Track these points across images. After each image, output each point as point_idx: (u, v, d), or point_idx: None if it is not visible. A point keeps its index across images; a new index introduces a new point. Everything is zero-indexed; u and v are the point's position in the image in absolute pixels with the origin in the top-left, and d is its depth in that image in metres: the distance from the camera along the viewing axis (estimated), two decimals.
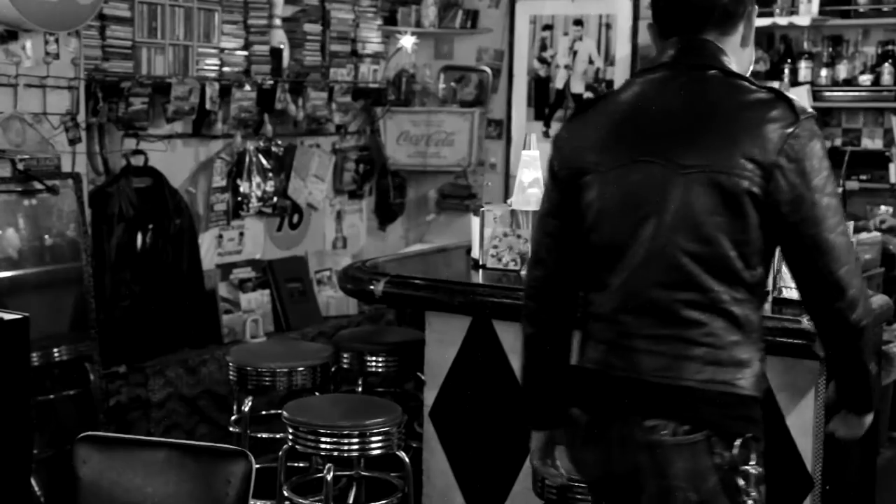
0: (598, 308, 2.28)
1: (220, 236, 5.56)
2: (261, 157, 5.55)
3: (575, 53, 6.41)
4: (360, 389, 4.05)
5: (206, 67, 5.31)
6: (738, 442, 2.16)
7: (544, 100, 6.54)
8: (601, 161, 2.24)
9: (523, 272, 3.63)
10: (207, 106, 5.21)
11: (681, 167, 2.14)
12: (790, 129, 2.10)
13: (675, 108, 2.20)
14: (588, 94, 6.40)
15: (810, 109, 2.12)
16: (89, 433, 2.40)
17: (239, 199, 5.49)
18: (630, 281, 2.20)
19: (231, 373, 3.94)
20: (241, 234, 5.70)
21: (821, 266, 2.15)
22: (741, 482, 2.17)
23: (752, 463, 2.19)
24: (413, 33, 6.31)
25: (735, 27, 2.26)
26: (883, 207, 4.10)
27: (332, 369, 4.06)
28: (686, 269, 2.14)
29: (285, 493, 3.60)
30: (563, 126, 2.41)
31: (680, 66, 2.24)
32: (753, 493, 2.18)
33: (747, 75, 2.24)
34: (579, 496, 2.68)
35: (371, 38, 6.30)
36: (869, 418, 2.44)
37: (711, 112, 2.16)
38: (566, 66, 6.44)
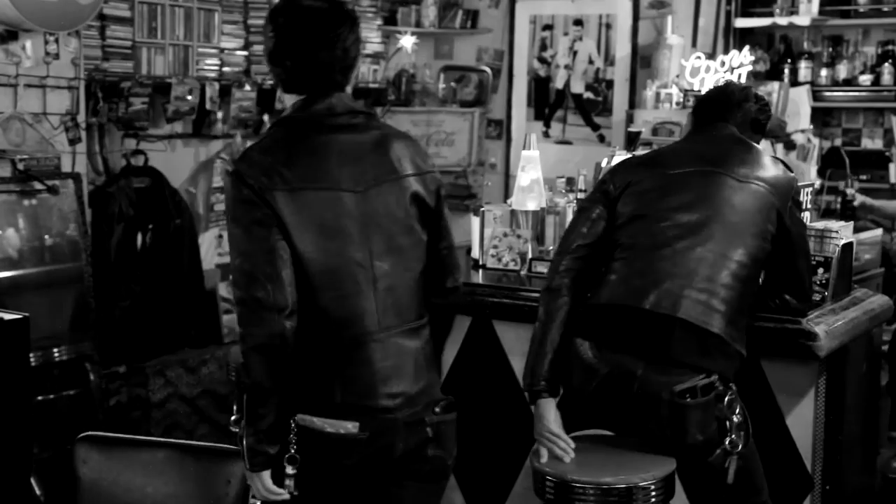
0: None
1: (220, 236, 5.56)
2: None
3: (575, 53, 6.40)
4: None
5: (206, 67, 5.31)
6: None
7: (544, 100, 6.54)
8: None
9: (524, 272, 3.63)
10: (207, 106, 5.21)
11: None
12: None
13: None
14: (588, 95, 6.40)
15: None
16: (89, 433, 2.40)
17: None
18: None
19: (231, 373, 3.94)
20: None
21: None
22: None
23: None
24: (413, 33, 6.31)
25: None
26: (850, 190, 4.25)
27: None
28: None
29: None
30: None
31: None
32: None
33: None
34: (578, 495, 2.68)
35: (371, 38, 6.30)
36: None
37: None
38: (566, 66, 6.43)
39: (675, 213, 2.80)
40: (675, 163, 2.93)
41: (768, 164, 2.93)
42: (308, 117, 2.35)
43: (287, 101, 2.41)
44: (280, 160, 2.28)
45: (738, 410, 2.69)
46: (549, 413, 2.81)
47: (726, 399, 2.67)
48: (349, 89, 2.40)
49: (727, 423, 2.67)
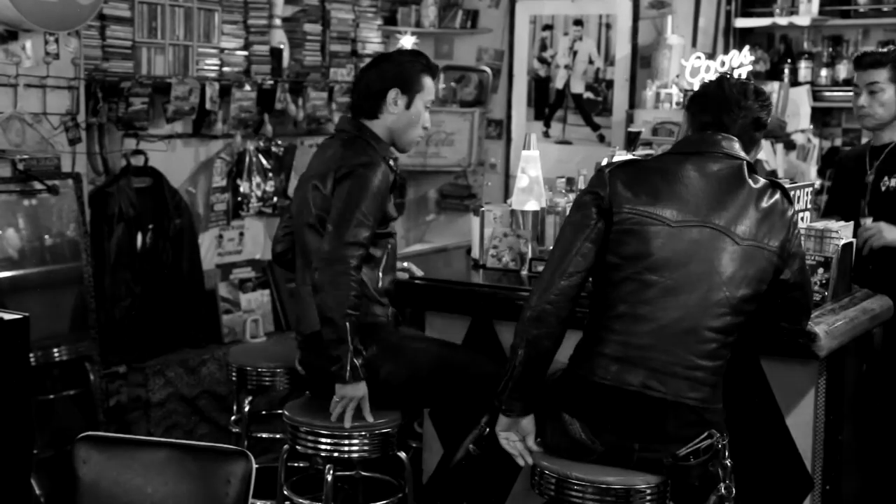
0: None
1: (220, 236, 5.56)
2: (261, 157, 5.55)
3: (575, 53, 6.41)
4: None
5: (206, 67, 5.31)
6: None
7: (544, 100, 6.54)
8: None
9: (524, 272, 3.63)
10: (207, 106, 5.21)
11: None
12: None
13: None
14: (588, 95, 6.40)
15: None
16: (89, 433, 2.40)
17: (239, 199, 5.48)
18: None
19: (231, 373, 3.94)
20: (241, 234, 5.69)
21: None
22: None
23: None
24: (413, 33, 6.30)
25: None
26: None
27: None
28: None
29: (285, 493, 3.59)
30: None
31: None
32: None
33: None
34: (577, 492, 2.68)
35: (371, 38, 6.30)
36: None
37: None
38: (566, 66, 6.44)
39: (665, 273, 2.64)
40: (680, 205, 2.67)
41: (773, 213, 2.71)
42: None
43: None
44: None
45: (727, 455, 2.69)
46: (515, 428, 2.82)
47: (721, 447, 2.66)
48: (379, 118, 3.34)
49: (720, 470, 2.67)
